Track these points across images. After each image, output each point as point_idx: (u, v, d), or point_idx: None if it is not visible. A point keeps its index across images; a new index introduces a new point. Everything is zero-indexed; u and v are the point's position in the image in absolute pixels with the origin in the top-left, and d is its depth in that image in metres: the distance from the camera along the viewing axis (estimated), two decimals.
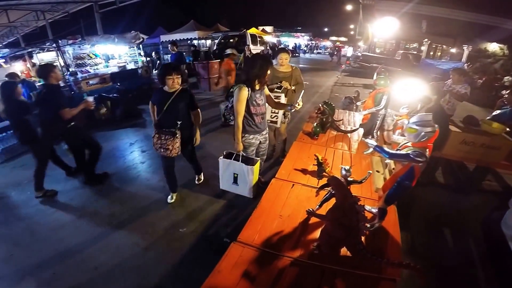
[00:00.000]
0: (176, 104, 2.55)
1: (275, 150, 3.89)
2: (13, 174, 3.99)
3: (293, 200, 1.90)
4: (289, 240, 1.60)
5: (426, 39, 13.52)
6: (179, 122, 2.57)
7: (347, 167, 1.50)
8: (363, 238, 1.41)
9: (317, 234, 1.64)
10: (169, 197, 3.01)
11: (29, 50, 8.18)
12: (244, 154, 2.52)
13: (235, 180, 2.56)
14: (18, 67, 8.85)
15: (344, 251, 1.46)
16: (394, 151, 1.46)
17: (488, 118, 3.40)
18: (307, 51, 28.49)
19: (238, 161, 2.48)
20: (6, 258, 2.42)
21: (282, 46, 17.69)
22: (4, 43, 15.80)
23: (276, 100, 2.77)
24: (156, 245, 2.46)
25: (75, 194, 3.28)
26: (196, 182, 3.30)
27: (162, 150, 2.56)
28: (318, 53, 27.76)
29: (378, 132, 2.66)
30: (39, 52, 7.97)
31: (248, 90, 2.31)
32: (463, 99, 4.00)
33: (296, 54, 22.78)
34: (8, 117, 3.26)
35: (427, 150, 1.43)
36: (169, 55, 8.61)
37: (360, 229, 1.34)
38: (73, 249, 2.46)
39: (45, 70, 2.94)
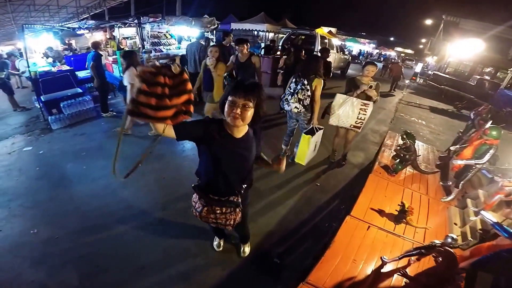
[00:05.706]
0: (243, 156, 1.47)
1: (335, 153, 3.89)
2: (74, 141, 3.98)
3: (368, 244, 1.78)
4: None
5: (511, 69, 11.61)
6: (245, 186, 1.59)
7: (454, 236, 1.33)
8: None
9: (388, 283, 1.56)
10: (216, 243, 2.34)
11: (112, 24, 8.67)
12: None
13: (314, 148, 3.35)
14: (98, 37, 9.79)
15: None
16: None
17: None
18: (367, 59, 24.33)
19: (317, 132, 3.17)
20: (51, 240, 2.29)
21: (347, 50, 16.63)
22: (91, 14, 17.72)
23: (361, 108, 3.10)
24: (207, 253, 2.28)
25: (131, 183, 3.05)
26: (242, 254, 2.28)
27: (214, 223, 1.59)
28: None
29: (463, 185, 2.29)
30: (120, 27, 8.03)
31: None
32: None
33: (358, 61, 21.59)
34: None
35: None
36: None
37: None
38: (120, 243, 2.31)
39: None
